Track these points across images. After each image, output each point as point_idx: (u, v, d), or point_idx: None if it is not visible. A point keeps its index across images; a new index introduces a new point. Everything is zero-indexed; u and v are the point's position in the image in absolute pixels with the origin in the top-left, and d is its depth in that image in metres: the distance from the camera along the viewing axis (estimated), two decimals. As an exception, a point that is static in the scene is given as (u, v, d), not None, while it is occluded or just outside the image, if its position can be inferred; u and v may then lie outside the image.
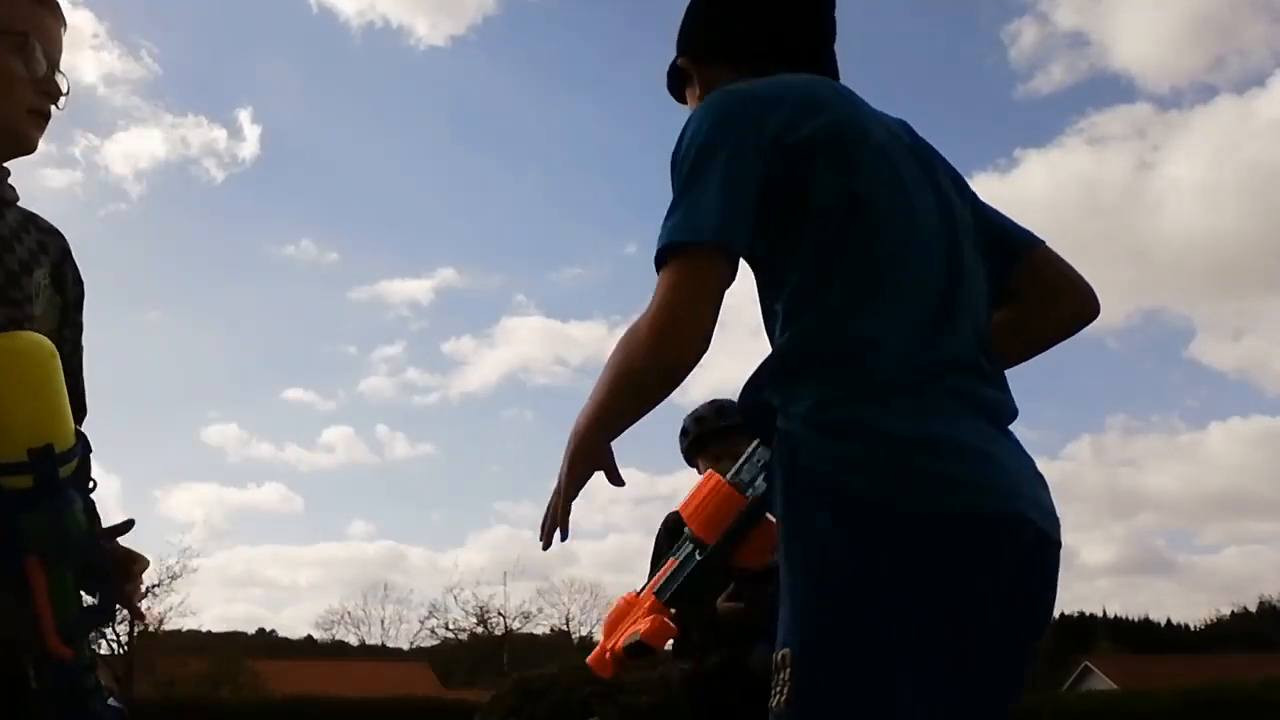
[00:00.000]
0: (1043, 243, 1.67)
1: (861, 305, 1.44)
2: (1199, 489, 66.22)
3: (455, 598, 37.40)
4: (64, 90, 1.51)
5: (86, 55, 66.20)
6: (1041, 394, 70.44)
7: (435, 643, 42.63)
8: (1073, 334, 1.69)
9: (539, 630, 42.16)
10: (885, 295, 1.44)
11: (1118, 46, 72.00)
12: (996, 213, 1.69)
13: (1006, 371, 1.58)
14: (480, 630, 38.74)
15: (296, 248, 71.90)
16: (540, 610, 41.67)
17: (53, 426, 1.24)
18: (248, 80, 70.04)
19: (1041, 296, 1.65)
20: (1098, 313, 1.66)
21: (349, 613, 48.32)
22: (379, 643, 47.78)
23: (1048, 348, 1.69)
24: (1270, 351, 59.87)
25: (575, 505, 1.77)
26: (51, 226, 1.59)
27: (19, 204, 1.53)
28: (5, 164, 1.50)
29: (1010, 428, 1.51)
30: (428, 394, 68.43)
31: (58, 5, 1.52)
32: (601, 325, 72.45)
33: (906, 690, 1.30)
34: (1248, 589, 70.79)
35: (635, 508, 67.23)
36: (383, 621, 48.30)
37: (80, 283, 1.60)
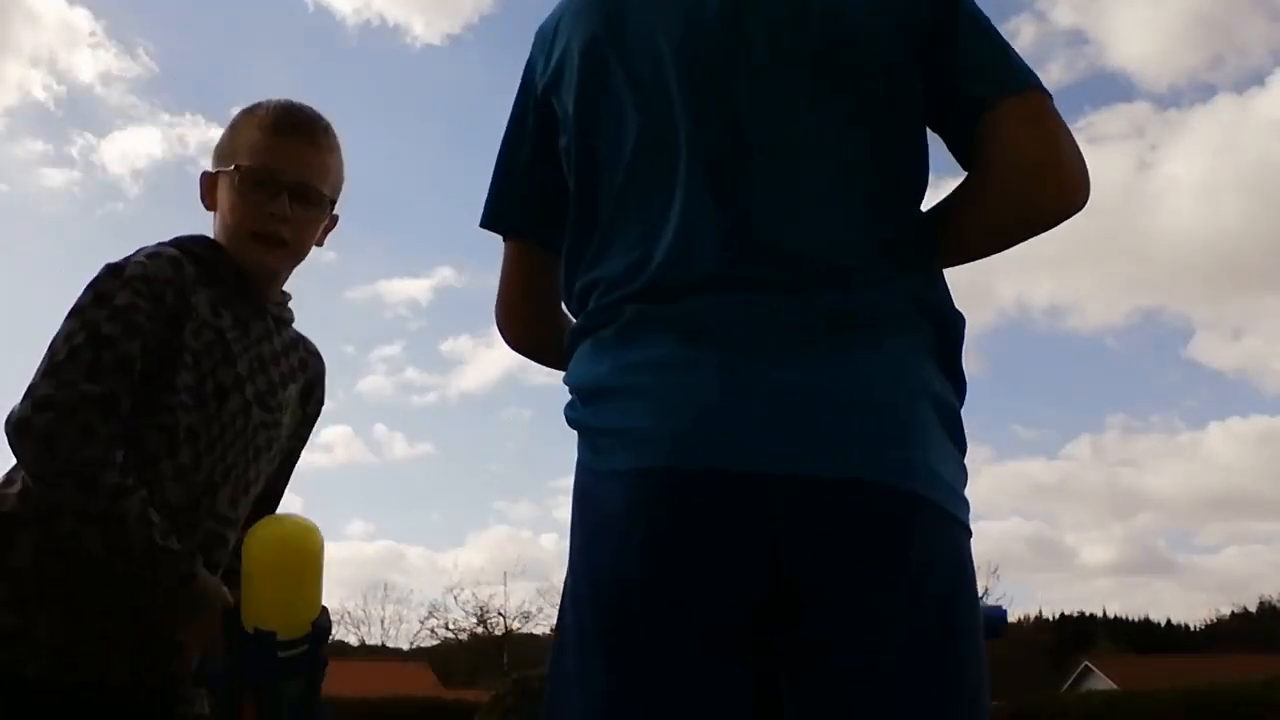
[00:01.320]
0: (1013, 96, 1.17)
1: (583, 256, 1.22)
2: (1199, 489, 66.42)
3: (455, 598, 37.48)
4: (288, 215, 1.64)
5: (84, 54, 66.31)
6: (1041, 394, 70.62)
7: (435, 643, 42.63)
8: (1011, 237, 1.22)
9: (539, 630, 42.11)
10: (604, 234, 1.20)
11: (1116, 45, 72.33)
12: (963, 51, 1.19)
13: None
14: (480, 630, 38.72)
15: (296, 247, 72.01)
16: (540, 610, 41.61)
17: (318, 606, 1.45)
18: (245, 79, 70.09)
19: (976, 176, 1.21)
20: (1048, 208, 1.16)
21: (349, 613, 48.35)
22: (379, 643, 47.80)
23: (977, 252, 1.26)
24: (1269, 351, 59.97)
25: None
26: (316, 350, 1.81)
27: (293, 324, 1.75)
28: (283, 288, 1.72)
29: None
30: (426, 393, 68.56)
31: (298, 130, 1.69)
32: (601, 325, 72.57)
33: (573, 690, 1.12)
34: (1248, 589, 71.06)
35: (635, 508, 67.22)
36: (383, 621, 48.45)
37: (321, 403, 1.82)
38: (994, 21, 1.23)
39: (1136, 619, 58.86)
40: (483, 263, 76.34)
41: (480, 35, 68.40)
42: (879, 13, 1.16)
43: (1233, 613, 57.00)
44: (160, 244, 1.57)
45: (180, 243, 1.59)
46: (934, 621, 1.05)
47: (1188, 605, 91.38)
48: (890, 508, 1.04)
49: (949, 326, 1.17)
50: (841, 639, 1.04)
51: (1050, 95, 1.17)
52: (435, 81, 71.49)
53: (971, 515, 1.14)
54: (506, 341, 1.39)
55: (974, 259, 1.26)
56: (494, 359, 69.94)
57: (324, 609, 1.45)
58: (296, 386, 1.73)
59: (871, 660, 1.04)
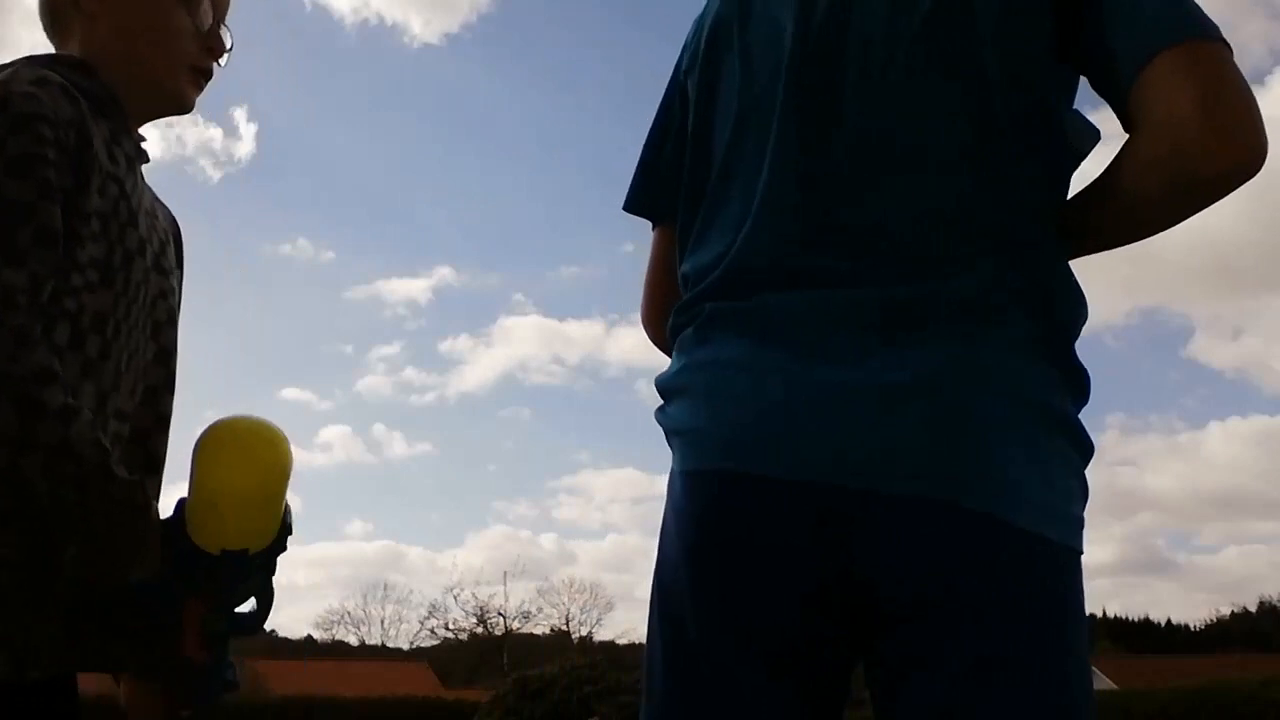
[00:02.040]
0: (1172, 47, 0.99)
1: (687, 240, 1.21)
2: (1198, 489, 66.39)
3: (455, 597, 37.54)
4: (228, 47, 1.40)
5: (86, 55, 66.55)
6: (1041, 394, 70.64)
7: (435, 643, 42.64)
8: (1163, 210, 1.06)
9: (539, 630, 42.14)
10: (705, 217, 1.18)
11: (1117, 46, 72.04)
12: (1114, 4, 1.03)
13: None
14: (480, 630, 38.74)
15: (293, 247, 72.02)
16: (540, 610, 41.74)
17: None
18: (243, 78, 70.06)
19: (1124, 145, 1.06)
20: (1201, 172, 0.98)
21: (349, 613, 48.43)
22: (379, 643, 47.81)
23: (1126, 232, 1.09)
24: (1269, 350, 59.97)
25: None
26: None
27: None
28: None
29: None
30: (425, 393, 68.53)
31: None
32: (599, 324, 72.53)
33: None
34: (1248, 589, 71.24)
35: (634, 507, 67.26)
36: (383, 621, 48.42)
37: (183, 265, 1.50)
38: None
39: (1136, 619, 58.90)
40: (482, 262, 76.43)
41: (479, 35, 68.46)
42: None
43: (1233, 613, 57.07)
44: (26, 64, 1.20)
45: (54, 66, 1.23)
46: (1005, 652, 0.95)
47: (1188, 605, 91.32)
48: (950, 527, 0.95)
49: (1057, 317, 1.03)
50: (923, 652, 0.98)
51: (1225, 44, 1.00)
52: (434, 81, 71.53)
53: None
54: (648, 336, 1.35)
55: (1125, 241, 1.10)
56: (493, 359, 69.99)
57: (286, 504, 1.31)
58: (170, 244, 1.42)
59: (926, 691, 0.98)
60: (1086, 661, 0.99)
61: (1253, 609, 56.31)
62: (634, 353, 70.43)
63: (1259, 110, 0.98)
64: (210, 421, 1.24)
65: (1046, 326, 1.02)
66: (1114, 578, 67.24)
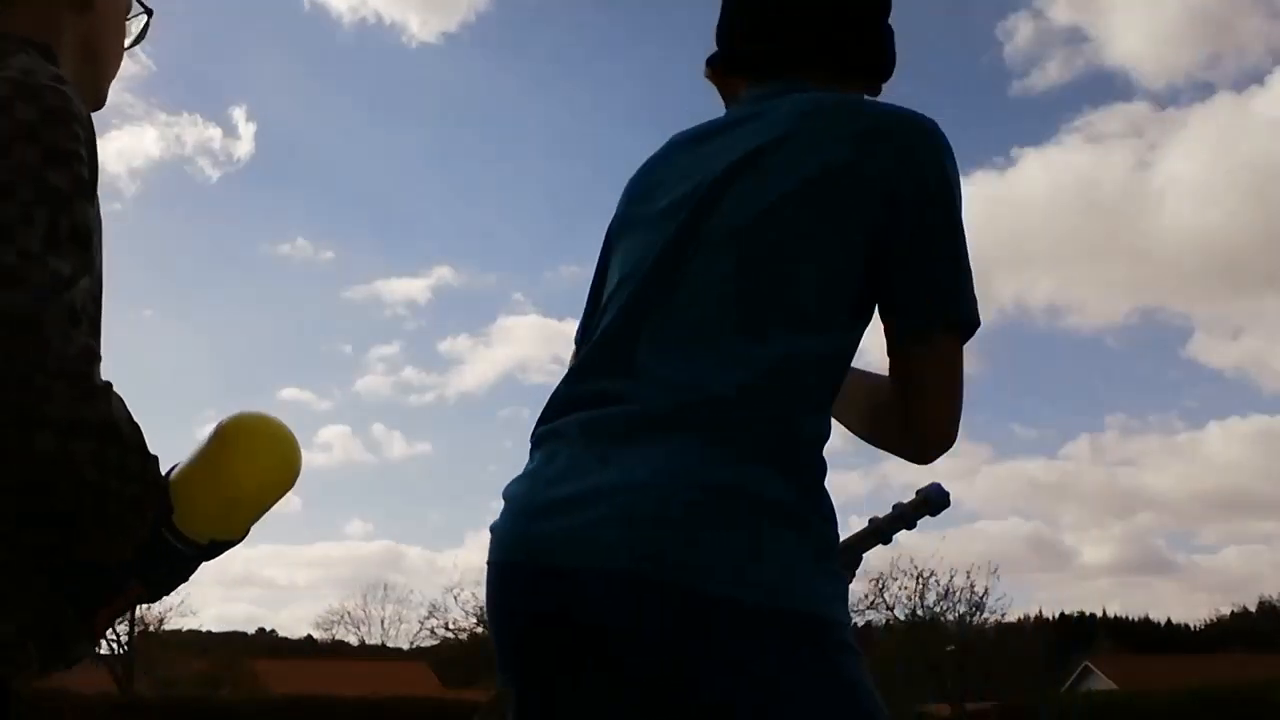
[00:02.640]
0: (931, 332, 1.26)
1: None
2: (1198, 488, 66.47)
3: (455, 597, 37.42)
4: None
5: (84, 54, 66.51)
6: (1040, 393, 70.55)
7: (435, 643, 42.60)
8: (872, 443, 1.42)
9: (539, 630, 42.02)
10: (584, 345, 1.41)
11: (1114, 43, 72.39)
12: (916, 267, 1.26)
13: None
14: (480, 630, 38.64)
15: (292, 246, 72.04)
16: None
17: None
18: (241, 77, 70.09)
19: (888, 390, 1.32)
20: (908, 455, 1.35)
21: (349, 613, 48.37)
22: (379, 643, 47.80)
23: (868, 441, 1.43)
24: (1269, 350, 59.96)
25: None
26: None
27: None
28: None
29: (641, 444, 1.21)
30: (425, 393, 68.62)
31: None
32: (601, 325, 72.61)
33: None
34: (1248, 589, 71.02)
35: (635, 508, 67.25)
36: (383, 621, 48.33)
37: None
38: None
39: (1136, 619, 58.96)
40: (481, 262, 76.38)
41: (477, 34, 68.50)
42: (826, 220, 1.26)
43: (1233, 613, 57.12)
44: (24, 52, 1.19)
45: (44, 58, 1.22)
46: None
47: (1188, 605, 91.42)
48: (644, 595, 1.14)
49: (795, 433, 1.22)
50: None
51: (970, 332, 1.28)
52: (432, 80, 71.57)
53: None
54: None
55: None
56: (492, 359, 70.05)
57: None
58: None
59: None
60: (784, 711, 1.12)
61: (1253, 609, 56.35)
62: (634, 353, 70.33)
63: (961, 404, 1.29)
64: (217, 419, 1.22)
65: (783, 442, 1.20)
66: (1114, 578, 67.46)
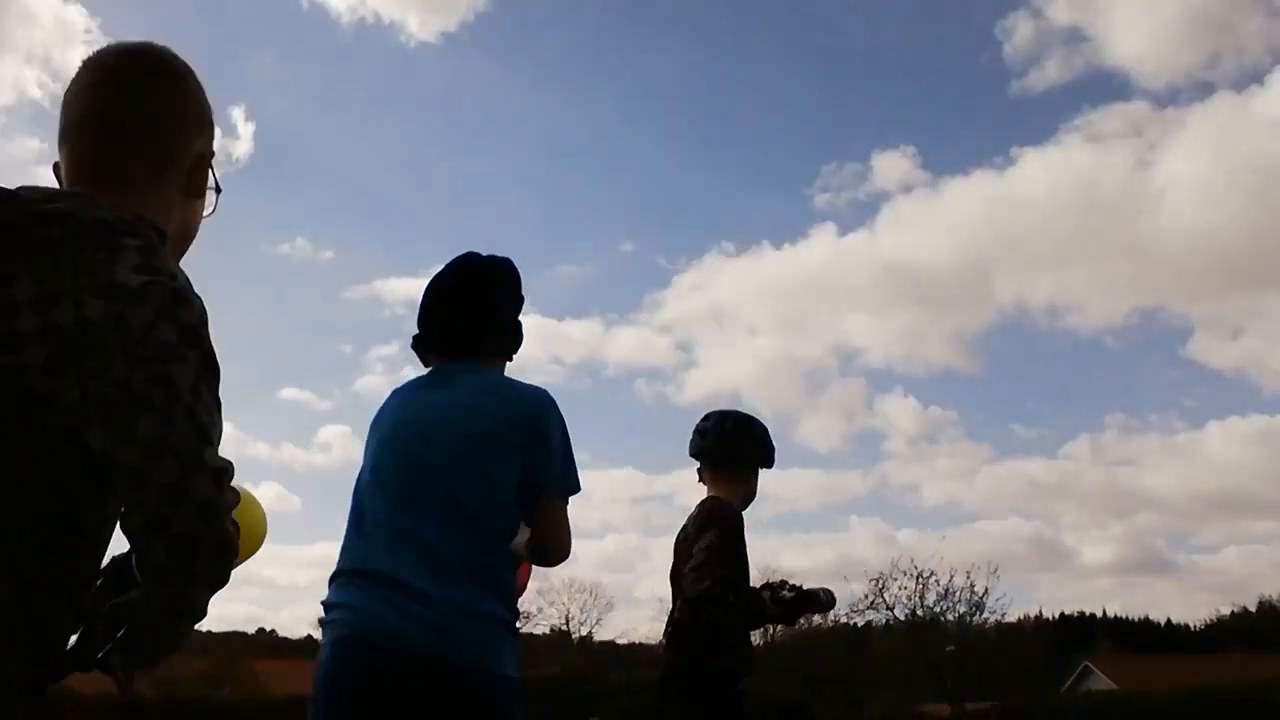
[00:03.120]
0: (552, 498, 2.32)
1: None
2: (1198, 488, 66.35)
3: (455, 598, 37.31)
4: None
5: (79, 51, 66.26)
6: (1040, 393, 70.53)
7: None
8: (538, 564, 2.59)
9: (539, 630, 42.15)
10: (351, 529, 2.30)
11: (1114, 42, 72.17)
12: (541, 464, 2.29)
13: None
14: (480, 630, 38.58)
15: (291, 246, 71.89)
16: (540, 610, 41.65)
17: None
18: (240, 77, 69.96)
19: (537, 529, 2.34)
20: (544, 565, 2.55)
21: (349, 613, 48.21)
22: (379, 643, 47.60)
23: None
24: (1269, 350, 59.85)
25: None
26: None
27: None
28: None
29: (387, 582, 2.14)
30: (427, 394, 68.45)
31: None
32: (598, 323, 72.56)
33: None
34: (1248, 589, 70.89)
35: (633, 507, 67.30)
36: (382, 621, 48.18)
37: None
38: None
39: (1136, 619, 58.94)
40: (482, 263, 76.18)
41: (476, 33, 68.38)
42: (487, 477, 2.24)
43: (1233, 613, 57.07)
44: (153, 233, 1.30)
45: (160, 243, 1.31)
46: None
47: (1188, 605, 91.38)
48: (422, 666, 2.07)
49: (500, 585, 2.24)
50: None
51: (570, 495, 2.37)
52: (431, 79, 71.47)
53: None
54: None
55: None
56: (494, 359, 69.93)
57: None
58: None
59: None
60: None
61: (1253, 609, 56.33)
62: (633, 353, 70.43)
63: (571, 535, 2.38)
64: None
65: (495, 589, 2.22)
66: (1114, 578, 67.32)
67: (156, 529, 1.13)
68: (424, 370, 2.44)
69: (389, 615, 2.06)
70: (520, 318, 2.50)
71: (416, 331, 2.44)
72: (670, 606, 3.44)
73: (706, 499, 3.51)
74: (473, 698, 2.07)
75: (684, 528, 3.47)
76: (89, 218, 1.22)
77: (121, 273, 1.18)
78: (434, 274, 2.47)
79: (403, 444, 2.26)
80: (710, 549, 3.23)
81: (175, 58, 1.44)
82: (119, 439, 1.13)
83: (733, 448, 3.55)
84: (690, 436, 3.62)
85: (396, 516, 2.19)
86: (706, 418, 3.64)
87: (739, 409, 3.81)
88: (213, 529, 1.15)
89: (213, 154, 1.49)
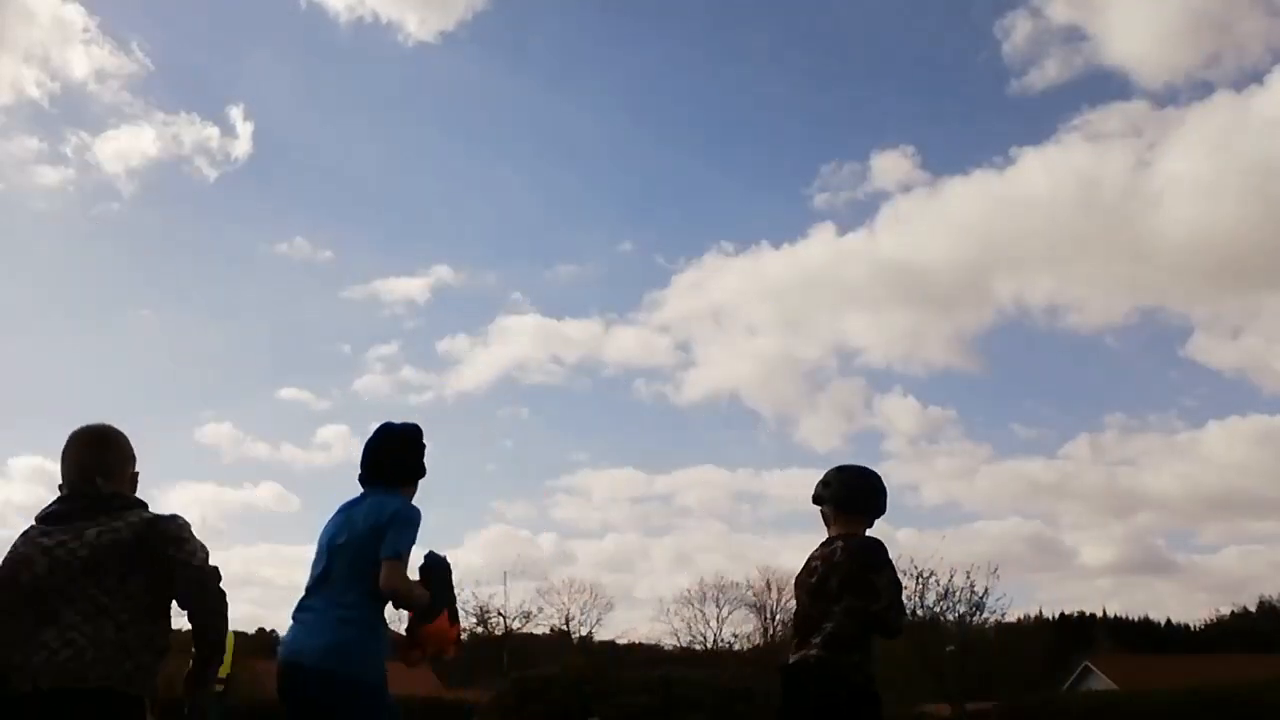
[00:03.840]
0: (388, 559, 3.80)
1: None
2: (1198, 488, 66.25)
3: (455, 598, 37.34)
4: None
5: (77, 50, 66.23)
6: (1040, 393, 70.51)
7: (435, 642, 42.50)
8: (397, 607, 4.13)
9: (539, 630, 42.18)
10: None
11: (1113, 41, 72.11)
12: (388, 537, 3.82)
13: None
14: (480, 630, 38.71)
15: (290, 246, 71.88)
16: (540, 610, 41.69)
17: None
18: (238, 76, 69.92)
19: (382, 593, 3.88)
20: (399, 608, 4.08)
21: (349, 613, 48.20)
22: (379, 643, 47.63)
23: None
24: (1269, 350, 59.90)
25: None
26: None
27: None
28: None
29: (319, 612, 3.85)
30: (423, 393, 68.25)
31: None
32: (597, 323, 72.46)
33: None
34: (1248, 589, 70.91)
35: (633, 507, 67.30)
36: (382, 621, 48.25)
37: None
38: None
39: (1136, 619, 58.93)
40: (479, 261, 76.30)
41: (474, 32, 68.36)
42: (364, 546, 3.85)
43: (1233, 613, 57.05)
44: (138, 503, 3.30)
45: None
46: None
47: (1188, 605, 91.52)
48: (304, 675, 3.78)
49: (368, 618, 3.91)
50: None
51: (400, 559, 3.84)
52: (429, 79, 71.46)
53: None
54: None
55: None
56: (491, 358, 69.90)
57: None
58: None
59: None
60: None
61: (1253, 609, 56.32)
62: (632, 352, 70.37)
63: (406, 581, 3.89)
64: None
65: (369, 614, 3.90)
66: (1114, 577, 67.27)
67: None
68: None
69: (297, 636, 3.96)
70: (420, 460, 4.19)
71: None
72: (808, 610, 4.26)
73: (857, 536, 4.31)
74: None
75: (835, 550, 4.26)
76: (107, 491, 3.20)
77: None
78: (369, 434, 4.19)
79: (320, 540, 4.07)
80: (897, 586, 4.19)
81: (118, 433, 3.33)
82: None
83: (856, 495, 4.40)
84: (815, 488, 4.49)
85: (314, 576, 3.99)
86: (831, 471, 4.50)
87: (856, 463, 4.58)
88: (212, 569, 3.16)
89: (138, 473, 3.33)
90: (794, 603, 4.44)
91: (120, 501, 3.07)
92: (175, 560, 2.96)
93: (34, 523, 3.02)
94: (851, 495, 4.39)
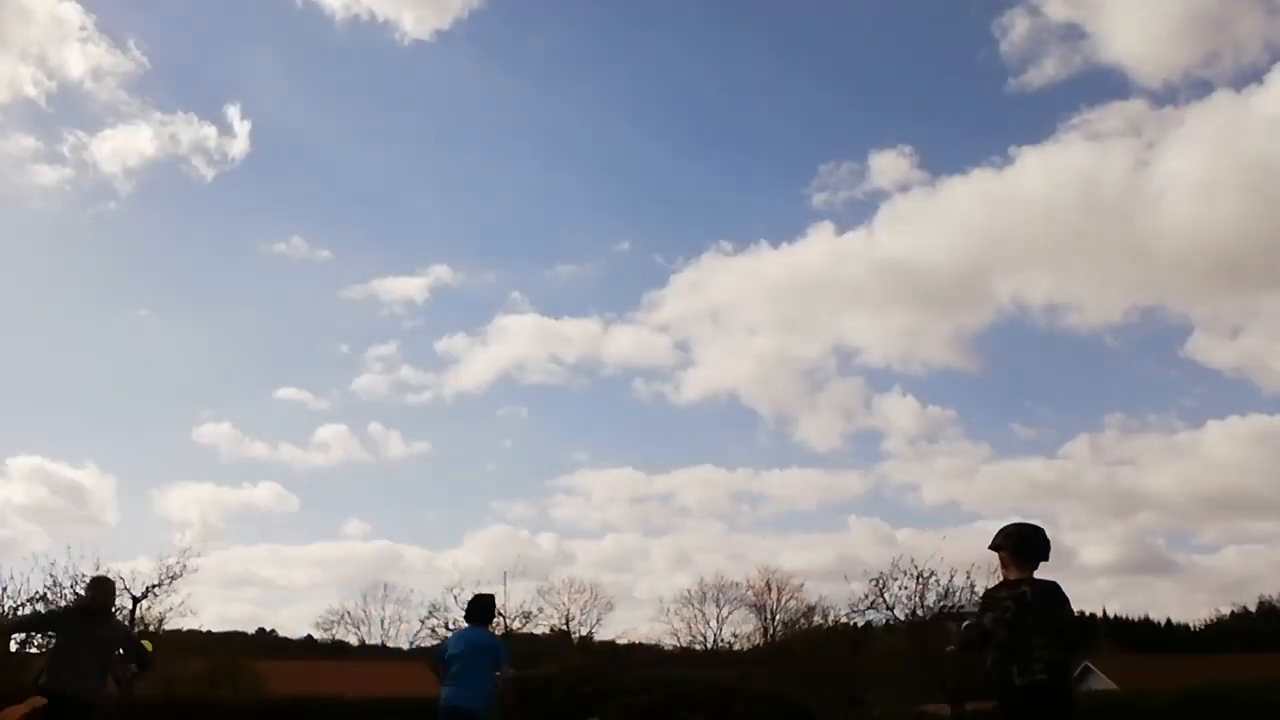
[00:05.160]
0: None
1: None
2: (1198, 488, 66.31)
3: (455, 597, 37.42)
4: None
5: (74, 48, 66.32)
6: (1039, 392, 70.57)
7: (435, 643, 42.57)
8: None
9: (539, 630, 42.15)
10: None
11: (1111, 39, 72.26)
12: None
13: None
14: (480, 630, 38.61)
15: (288, 245, 72.25)
16: (540, 610, 41.68)
17: None
18: (236, 74, 70.01)
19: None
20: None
21: (349, 613, 48.36)
22: (379, 643, 47.81)
23: None
24: (1268, 349, 59.98)
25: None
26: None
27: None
28: None
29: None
30: (422, 392, 68.75)
31: None
32: (596, 322, 72.71)
33: None
34: (1248, 589, 70.88)
35: (632, 507, 67.39)
36: (383, 621, 48.33)
37: None
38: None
39: (1137, 619, 58.88)
40: (478, 261, 76.23)
41: (470, 31, 68.59)
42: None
43: (1233, 613, 56.99)
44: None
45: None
46: None
47: (1188, 605, 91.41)
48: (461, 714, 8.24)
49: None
50: None
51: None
52: (427, 78, 71.59)
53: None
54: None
55: None
56: (490, 357, 70.04)
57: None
58: None
59: None
60: None
61: (1253, 609, 56.28)
62: (631, 352, 70.47)
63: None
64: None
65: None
66: (1114, 577, 67.30)
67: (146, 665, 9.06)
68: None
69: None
70: (490, 610, 8.85)
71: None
72: (1009, 642, 5.43)
73: (1039, 580, 5.57)
74: None
75: (1024, 594, 5.48)
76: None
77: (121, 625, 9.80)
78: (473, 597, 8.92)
79: (453, 647, 8.35)
80: (1076, 617, 5.77)
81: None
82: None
83: (1029, 547, 5.63)
84: (995, 537, 5.74)
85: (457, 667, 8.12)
86: (1011, 525, 5.73)
87: (1023, 520, 5.82)
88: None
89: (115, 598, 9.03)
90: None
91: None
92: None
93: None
94: (1026, 546, 5.59)
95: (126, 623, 25.43)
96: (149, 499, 64.75)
